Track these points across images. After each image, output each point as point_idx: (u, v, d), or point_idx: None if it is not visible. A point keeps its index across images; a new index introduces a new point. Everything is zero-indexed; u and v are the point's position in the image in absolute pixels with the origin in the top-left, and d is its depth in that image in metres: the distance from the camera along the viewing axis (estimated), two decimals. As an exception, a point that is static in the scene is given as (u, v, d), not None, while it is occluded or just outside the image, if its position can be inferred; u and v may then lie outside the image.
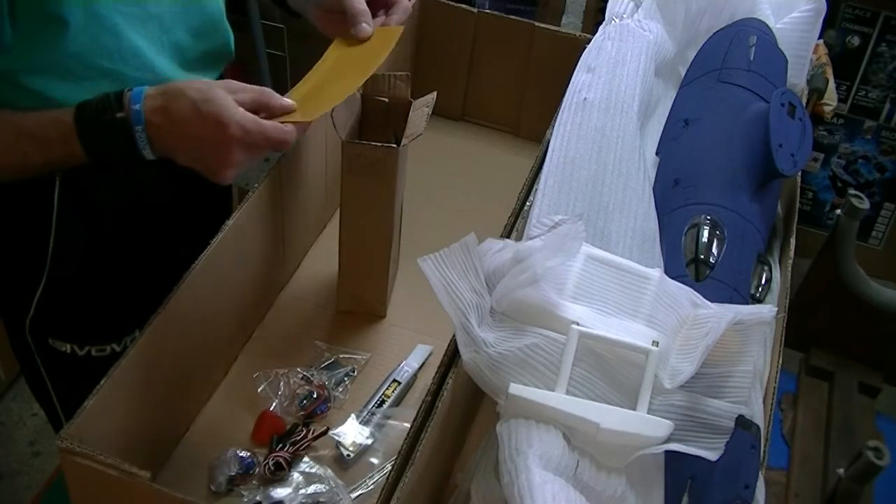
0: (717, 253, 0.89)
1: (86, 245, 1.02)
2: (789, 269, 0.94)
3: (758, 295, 0.92)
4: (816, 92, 1.18)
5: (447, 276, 0.75)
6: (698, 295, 0.81)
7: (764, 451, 0.74)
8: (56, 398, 1.12)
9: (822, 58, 1.20)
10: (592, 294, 0.80)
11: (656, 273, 0.81)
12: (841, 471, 1.31)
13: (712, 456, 0.69)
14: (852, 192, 1.40)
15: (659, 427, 0.71)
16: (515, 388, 0.72)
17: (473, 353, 0.74)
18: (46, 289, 1.01)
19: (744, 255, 0.91)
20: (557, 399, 0.72)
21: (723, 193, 0.93)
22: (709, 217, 0.91)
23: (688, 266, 0.89)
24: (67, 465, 0.74)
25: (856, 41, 2.07)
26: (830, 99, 1.21)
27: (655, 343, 0.74)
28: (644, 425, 0.71)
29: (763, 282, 0.94)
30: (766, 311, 0.77)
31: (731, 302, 0.82)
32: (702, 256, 0.89)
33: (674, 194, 0.96)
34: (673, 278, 0.83)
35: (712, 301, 0.80)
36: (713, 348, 0.74)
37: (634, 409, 0.73)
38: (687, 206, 0.93)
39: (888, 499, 1.43)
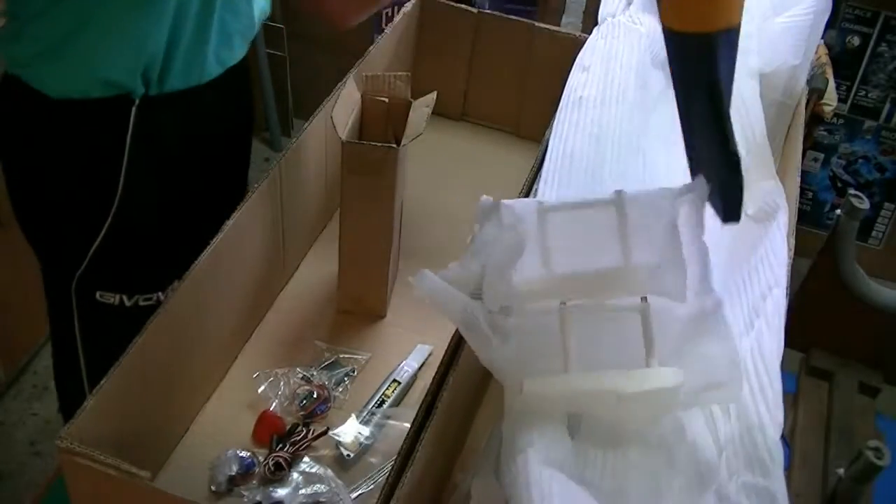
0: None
1: (152, 191, 1.05)
2: (790, 268, 0.94)
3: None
4: (816, 92, 1.18)
5: (445, 289, 0.74)
6: (667, 188, 0.74)
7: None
8: (84, 365, 1.14)
9: (822, 58, 1.20)
10: (572, 251, 0.76)
11: (618, 197, 0.75)
12: (841, 471, 1.31)
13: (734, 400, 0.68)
14: (852, 192, 1.41)
15: (673, 376, 0.70)
16: (530, 383, 0.71)
17: (489, 352, 0.74)
18: (107, 237, 1.04)
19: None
20: (574, 380, 0.71)
21: None
22: None
23: None
24: (67, 465, 0.74)
25: (856, 41, 2.07)
26: (830, 99, 1.22)
27: (644, 298, 0.73)
28: (660, 378, 0.70)
29: None
30: (699, 185, 0.71)
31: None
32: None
33: None
34: None
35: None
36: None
37: (642, 365, 0.71)
38: None
39: (888, 499, 1.44)
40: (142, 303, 1.09)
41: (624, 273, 0.75)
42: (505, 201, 0.76)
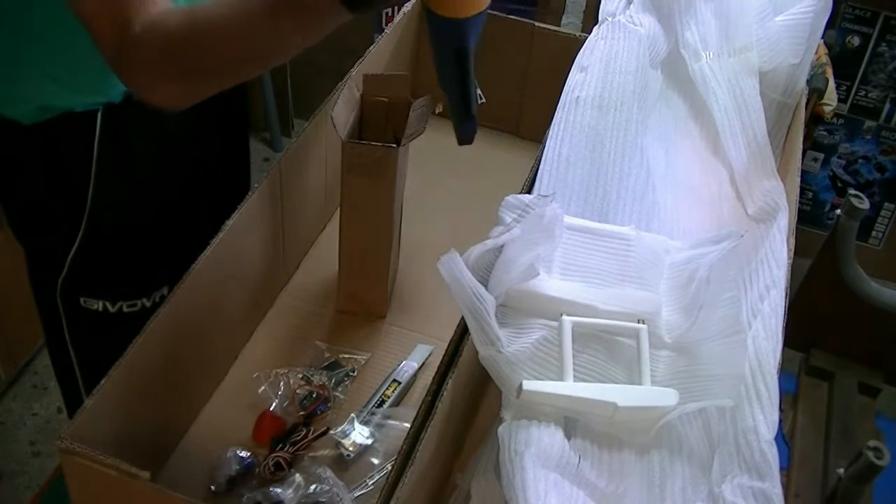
0: None
1: (123, 195, 1.04)
2: (789, 269, 0.94)
3: None
4: (816, 92, 1.18)
5: (466, 276, 0.75)
6: (666, 239, 0.87)
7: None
8: (78, 368, 1.14)
9: (822, 58, 1.20)
10: (580, 266, 0.83)
11: (632, 232, 0.85)
12: (841, 471, 1.31)
13: (730, 403, 0.74)
14: (852, 192, 1.40)
15: (669, 396, 0.75)
16: (529, 384, 0.72)
17: (493, 351, 0.74)
18: (83, 243, 1.03)
19: None
20: (572, 388, 0.73)
21: None
22: None
23: None
24: (67, 465, 0.74)
25: (856, 41, 2.07)
26: (830, 99, 1.22)
27: (641, 321, 0.78)
28: (656, 397, 0.75)
29: None
30: (729, 245, 0.82)
31: None
32: None
33: None
34: None
35: None
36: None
37: (636, 382, 0.76)
38: None
39: (888, 499, 1.43)
40: (126, 309, 1.09)
41: (631, 298, 0.80)
42: (539, 210, 0.81)
